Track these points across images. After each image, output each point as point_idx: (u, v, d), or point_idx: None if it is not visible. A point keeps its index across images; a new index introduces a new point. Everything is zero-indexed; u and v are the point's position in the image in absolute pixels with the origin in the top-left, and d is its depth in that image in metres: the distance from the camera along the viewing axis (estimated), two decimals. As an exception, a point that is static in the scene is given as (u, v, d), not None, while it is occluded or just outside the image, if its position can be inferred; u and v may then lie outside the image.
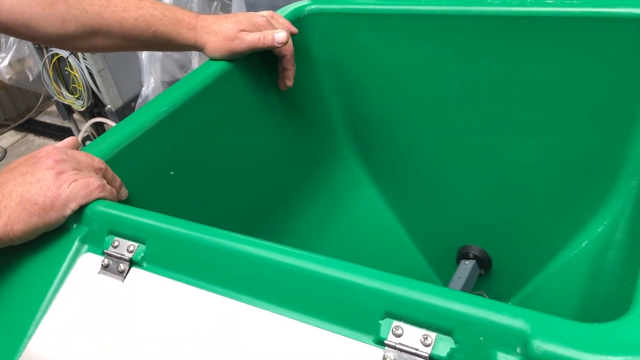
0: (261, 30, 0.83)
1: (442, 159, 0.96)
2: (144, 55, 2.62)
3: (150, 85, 2.66)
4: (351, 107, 1.00)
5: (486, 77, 0.84)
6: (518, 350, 0.37)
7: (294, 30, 0.89)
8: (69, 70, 2.54)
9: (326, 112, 1.01)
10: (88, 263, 0.55)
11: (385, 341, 0.40)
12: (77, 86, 2.62)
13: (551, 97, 0.81)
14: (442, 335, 0.39)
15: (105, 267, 0.54)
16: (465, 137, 0.91)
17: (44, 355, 0.51)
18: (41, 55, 2.53)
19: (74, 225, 0.57)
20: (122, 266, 0.53)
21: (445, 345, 0.39)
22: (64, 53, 2.48)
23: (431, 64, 0.87)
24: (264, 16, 0.86)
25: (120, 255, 0.53)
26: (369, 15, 0.87)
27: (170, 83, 2.73)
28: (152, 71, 2.71)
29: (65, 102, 2.68)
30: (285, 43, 0.82)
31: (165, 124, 0.73)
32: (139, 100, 2.69)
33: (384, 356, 0.40)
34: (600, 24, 0.73)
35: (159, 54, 2.68)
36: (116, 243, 0.54)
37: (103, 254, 0.55)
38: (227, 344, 0.45)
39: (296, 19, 0.93)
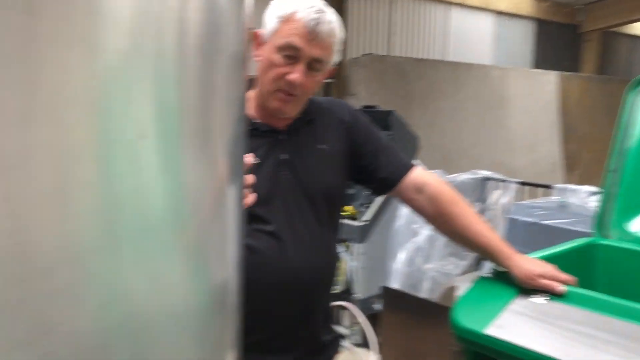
0: (549, 276, 1.33)
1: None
2: (395, 268, 3.56)
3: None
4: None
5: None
6: None
7: (572, 281, 1.35)
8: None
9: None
10: (525, 295, 1.33)
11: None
12: (339, 273, 3.58)
13: None
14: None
15: (534, 297, 1.31)
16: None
17: (506, 321, 1.27)
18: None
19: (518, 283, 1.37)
20: (545, 298, 1.30)
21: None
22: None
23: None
24: (553, 267, 1.35)
25: (541, 297, 1.30)
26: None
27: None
28: (393, 283, 3.60)
29: (333, 281, 3.62)
30: (563, 292, 1.31)
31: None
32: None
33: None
34: None
35: (405, 271, 3.60)
36: (536, 294, 1.32)
37: (534, 294, 1.32)
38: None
39: (589, 245, 1.73)
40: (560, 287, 1.32)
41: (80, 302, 0.39)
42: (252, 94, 1.43)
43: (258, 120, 1.38)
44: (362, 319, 3.59)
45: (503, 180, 4.13)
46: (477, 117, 5.64)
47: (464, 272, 3.69)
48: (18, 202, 0.38)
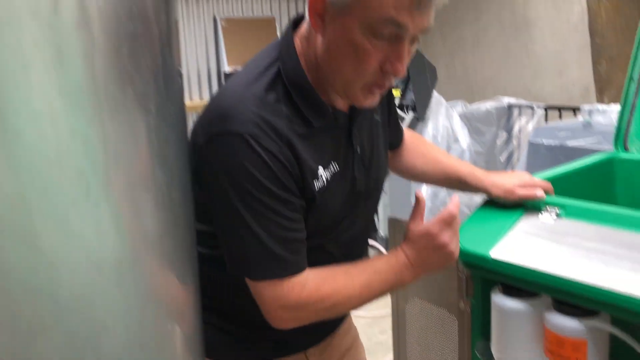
0: (527, 186, 1.28)
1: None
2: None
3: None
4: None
5: None
6: None
7: (549, 187, 1.31)
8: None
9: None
10: (532, 214, 1.25)
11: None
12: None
13: None
14: None
15: (542, 215, 1.23)
16: None
17: (512, 242, 1.20)
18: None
19: (524, 201, 1.29)
20: (553, 216, 1.22)
21: None
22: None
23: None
24: (528, 175, 1.33)
25: (551, 212, 1.23)
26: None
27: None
28: (421, 215, 3.54)
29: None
30: (543, 198, 1.27)
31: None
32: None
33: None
34: None
35: (428, 205, 3.53)
36: (547, 208, 1.24)
37: (541, 212, 1.24)
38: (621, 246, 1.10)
39: (609, 160, 1.63)
40: (540, 192, 1.28)
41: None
42: (299, 48, 1.01)
43: (327, 104, 1.02)
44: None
45: (529, 106, 3.96)
46: (501, 43, 5.40)
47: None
48: None
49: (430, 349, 1.62)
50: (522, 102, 4.04)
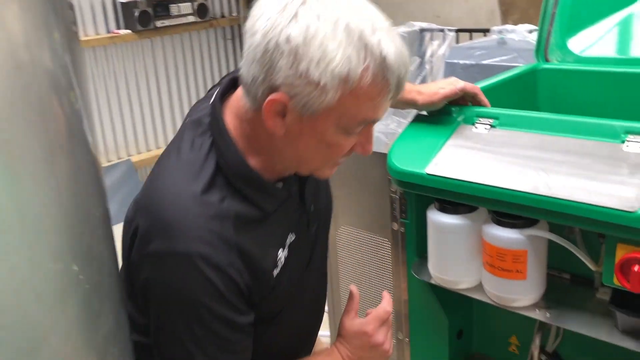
0: (452, 86, 1.24)
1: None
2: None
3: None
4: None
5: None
6: None
7: (476, 89, 1.28)
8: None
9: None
10: (466, 127, 1.20)
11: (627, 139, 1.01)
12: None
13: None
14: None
15: (476, 128, 1.18)
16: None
17: (447, 157, 1.15)
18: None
19: (456, 115, 1.23)
20: (486, 127, 1.17)
21: None
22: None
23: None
24: (453, 78, 1.28)
25: (484, 123, 1.18)
26: (584, 72, 1.53)
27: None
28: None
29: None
30: (464, 90, 1.24)
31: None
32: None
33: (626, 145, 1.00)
34: None
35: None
36: (480, 120, 1.19)
37: (474, 124, 1.19)
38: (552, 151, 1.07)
39: (531, 71, 1.60)
40: (461, 84, 1.24)
41: None
42: (233, 128, 0.92)
43: (274, 182, 0.96)
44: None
45: (440, 30, 3.94)
46: (409, -33, 5.32)
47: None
48: None
49: (364, 275, 1.58)
50: (434, 26, 4.00)
